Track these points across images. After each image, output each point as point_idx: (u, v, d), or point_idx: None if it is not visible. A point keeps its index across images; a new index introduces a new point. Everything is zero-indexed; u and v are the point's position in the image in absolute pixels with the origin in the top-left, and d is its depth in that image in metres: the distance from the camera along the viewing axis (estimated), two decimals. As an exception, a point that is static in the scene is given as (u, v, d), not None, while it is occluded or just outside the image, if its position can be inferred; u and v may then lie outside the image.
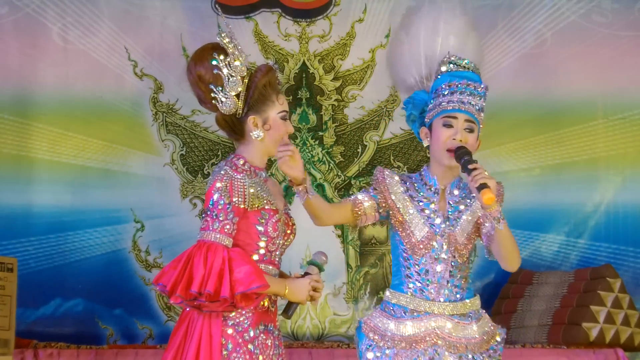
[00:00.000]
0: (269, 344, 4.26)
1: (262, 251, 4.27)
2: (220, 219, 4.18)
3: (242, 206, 4.22)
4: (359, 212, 4.37)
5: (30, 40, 7.14)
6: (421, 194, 4.38)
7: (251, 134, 4.30)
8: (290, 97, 7.29)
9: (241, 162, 4.31)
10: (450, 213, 4.36)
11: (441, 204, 4.37)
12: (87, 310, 7.09)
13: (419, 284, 4.33)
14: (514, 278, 7.21)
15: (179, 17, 7.28)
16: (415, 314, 4.30)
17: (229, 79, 4.29)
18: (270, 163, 4.53)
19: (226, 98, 4.30)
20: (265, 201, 4.26)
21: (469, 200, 4.37)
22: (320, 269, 4.30)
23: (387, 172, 4.41)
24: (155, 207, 7.21)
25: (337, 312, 7.28)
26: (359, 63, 7.40)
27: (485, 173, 4.16)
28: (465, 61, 4.44)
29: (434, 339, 4.27)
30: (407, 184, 4.40)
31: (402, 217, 4.36)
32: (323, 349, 6.60)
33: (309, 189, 4.21)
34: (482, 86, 4.39)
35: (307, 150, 7.34)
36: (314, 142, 7.35)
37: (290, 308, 4.26)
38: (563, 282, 6.98)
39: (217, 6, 7.23)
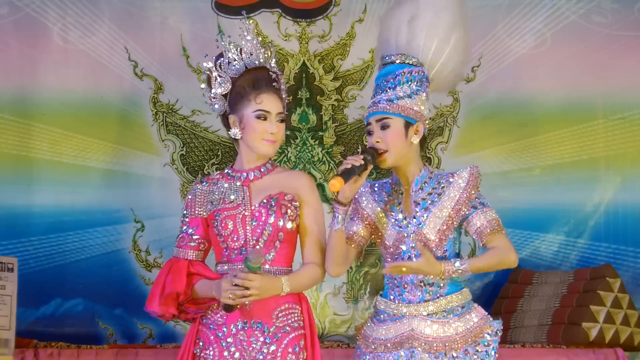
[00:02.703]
0: (253, 340, 4.26)
1: (226, 252, 4.33)
2: (180, 232, 4.38)
3: (195, 215, 4.37)
4: (359, 244, 4.40)
5: (30, 40, 7.14)
6: (390, 197, 4.33)
7: (229, 132, 4.37)
8: (290, 97, 7.28)
9: (228, 169, 4.42)
10: (418, 212, 4.27)
11: (406, 203, 4.30)
12: (87, 310, 7.09)
13: (397, 288, 4.29)
14: (514, 278, 7.21)
15: (179, 17, 7.28)
16: (395, 317, 4.28)
17: (216, 79, 4.36)
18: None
19: (214, 98, 4.38)
20: (216, 203, 4.32)
21: (436, 196, 4.28)
22: (250, 269, 4.13)
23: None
24: (155, 207, 7.21)
25: (337, 312, 7.27)
26: (359, 63, 7.40)
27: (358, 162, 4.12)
28: (388, 56, 4.34)
29: (411, 341, 4.21)
30: (377, 190, 4.36)
31: (374, 225, 4.35)
32: (323, 348, 6.56)
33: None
34: (402, 71, 4.28)
35: (307, 150, 7.34)
36: (314, 142, 7.35)
37: (228, 307, 4.20)
38: (563, 282, 6.98)
39: (215, 6, 7.23)
